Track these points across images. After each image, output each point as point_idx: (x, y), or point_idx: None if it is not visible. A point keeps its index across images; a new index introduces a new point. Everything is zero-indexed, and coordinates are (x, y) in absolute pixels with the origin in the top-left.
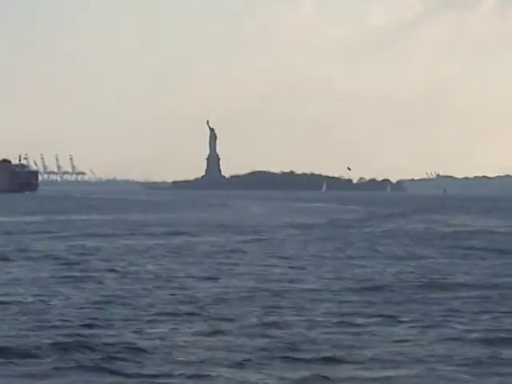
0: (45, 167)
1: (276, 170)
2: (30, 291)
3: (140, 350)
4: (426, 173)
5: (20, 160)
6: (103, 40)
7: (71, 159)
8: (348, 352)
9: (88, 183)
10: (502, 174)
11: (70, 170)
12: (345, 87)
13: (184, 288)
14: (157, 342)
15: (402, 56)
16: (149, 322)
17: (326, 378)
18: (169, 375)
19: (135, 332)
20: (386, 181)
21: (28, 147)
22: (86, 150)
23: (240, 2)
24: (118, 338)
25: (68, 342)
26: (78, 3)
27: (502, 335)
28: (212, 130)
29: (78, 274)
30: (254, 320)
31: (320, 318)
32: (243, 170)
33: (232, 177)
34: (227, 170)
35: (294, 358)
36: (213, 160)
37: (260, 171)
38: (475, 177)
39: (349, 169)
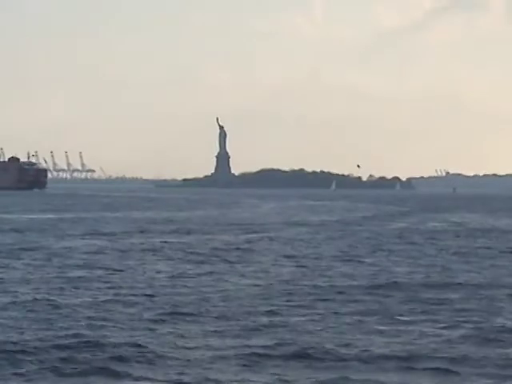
0: (55, 165)
1: (286, 167)
2: (37, 290)
3: (148, 351)
4: (436, 170)
5: (29, 157)
6: (116, 39)
7: (81, 157)
8: (358, 352)
9: (97, 181)
10: None
11: (79, 167)
12: (355, 86)
13: (193, 287)
14: (164, 341)
15: (412, 56)
16: (156, 321)
17: (336, 378)
18: (176, 375)
19: (143, 332)
20: (396, 179)
21: (39, 145)
22: (95, 147)
23: (252, 2)
24: (126, 339)
25: (74, 342)
26: (92, 2)
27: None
28: (222, 127)
29: (85, 274)
30: (264, 319)
31: (329, 317)
32: (253, 167)
33: (242, 174)
34: (237, 167)
35: (303, 358)
36: (222, 158)
37: (270, 169)
38: (484, 175)
39: (358, 167)
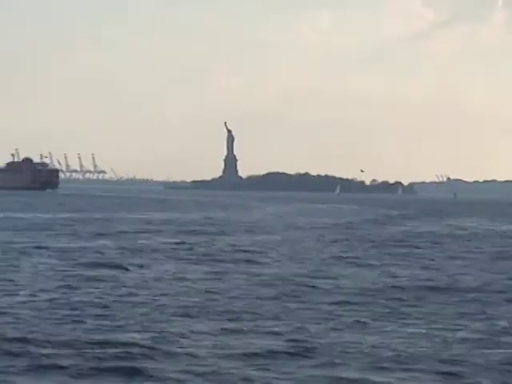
0: (67, 166)
1: (291, 171)
2: (48, 289)
3: (157, 349)
4: (437, 176)
5: (41, 158)
6: (125, 41)
7: (93, 158)
8: (359, 352)
9: (109, 182)
10: None
11: (91, 168)
12: (358, 92)
13: (201, 287)
14: (173, 340)
15: (414, 66)
16: (166, 321)
17: (337, 378)
18: (184, 374)
19: (152, 330)
20: (398, 183)
21: (52, 146)
22: (107, 149)
23: (259, 10)
24: (135, 338)
25: (84, 341)
26: (99, 4)
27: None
28: (230, 131)
29: (96, 273)
30: (269, 319)
31: (332, 318)
32: (259, 171)
33: (248, 177)
34: (244, 170)
35: (307, 357)
36: (230, 161)
37: (276, 172)
38: (484, 180)
39: (362, 171)
